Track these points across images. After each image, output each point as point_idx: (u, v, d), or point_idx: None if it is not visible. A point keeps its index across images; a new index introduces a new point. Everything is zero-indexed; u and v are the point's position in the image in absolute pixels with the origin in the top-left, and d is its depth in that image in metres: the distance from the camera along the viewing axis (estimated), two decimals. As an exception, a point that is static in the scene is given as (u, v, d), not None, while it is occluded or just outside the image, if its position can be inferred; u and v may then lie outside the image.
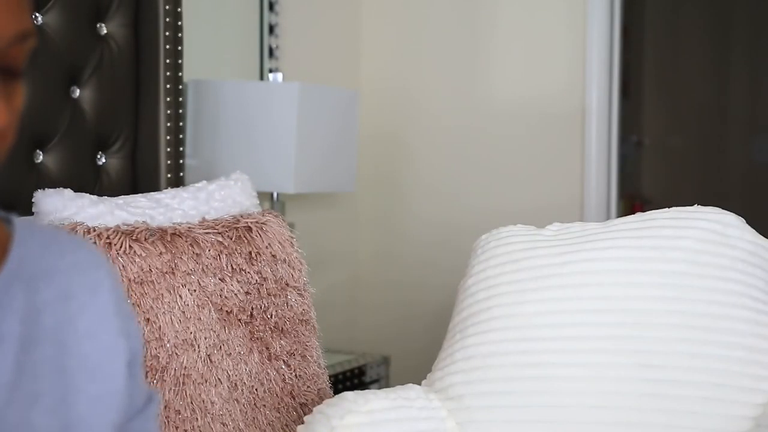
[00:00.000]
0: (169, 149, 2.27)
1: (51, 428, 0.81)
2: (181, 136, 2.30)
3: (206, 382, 1.81)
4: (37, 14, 2.04)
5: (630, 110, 5.05)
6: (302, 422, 1.75)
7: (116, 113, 2.20)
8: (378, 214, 3.39)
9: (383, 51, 3.38)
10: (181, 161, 2.31)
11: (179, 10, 2.28)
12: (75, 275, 0.89)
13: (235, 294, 1.90)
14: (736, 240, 1.87)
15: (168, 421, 1.74)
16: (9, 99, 0.81)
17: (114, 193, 2.15)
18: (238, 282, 1.92)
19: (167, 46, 2.25)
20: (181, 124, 2.30)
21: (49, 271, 0.87)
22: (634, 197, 5.29)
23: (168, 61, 2.26)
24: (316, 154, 2.59)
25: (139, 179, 2.25)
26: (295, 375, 1.97)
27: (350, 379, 2.77)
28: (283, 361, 1.96)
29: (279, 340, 1.96)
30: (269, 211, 2.07)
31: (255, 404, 1.88)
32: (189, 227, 1.92)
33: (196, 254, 1.87)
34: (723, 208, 1.92)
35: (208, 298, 1.86)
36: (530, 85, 3.19)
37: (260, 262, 1.96)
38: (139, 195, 2.02)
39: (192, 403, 1.78)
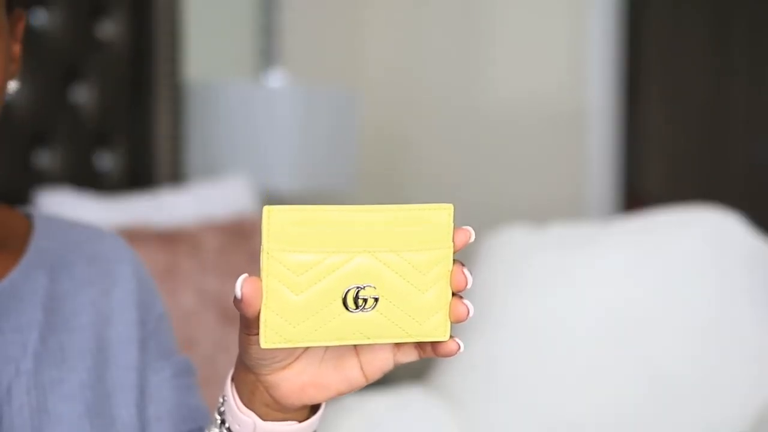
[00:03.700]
0: (168, 149, 2.27)
1: (72, 414, 0.83)
2: (180, 135, 2.30)
3: (207, 382, 1.81)
4: (37, 14, 2.04)
5: (631, 109, 5.05)
6: (302, 422, 1.75)
7: (116, 113, 2.20)
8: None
9: (384, 50, 3.38)
10: (180, 161, 2.31)
11: (179, 9, 2.28)
12: (95, 265, 0.90)
13: (235, 294, 1.90)
14: (737, 240, 1.87)
15: (168, 421, 1.74)
16: None
17: (113, 192, 2.15)
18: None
19: (167, 46, 2.25)
20: (180, 123, 2.30)
21: (69, 260, 0.89)
22: (634, 196, 5.29)
23: (168, 60, 2.26)
24: (317, 154, 2.59)
25: (138, 179, 2.25)
26: (295, 375, 1.97)
27: (350, 379, 2.76)
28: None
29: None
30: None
31: (255, 404, 1.88)
32: (189, 227, 1.92)
33: (196, 254, 1.87)
34: (723, 208, 1.92)
35: (209, 298, 1.86)
36: (532, 83, 3.19)
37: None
38: (139, 195, 2.02)
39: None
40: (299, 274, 0.66)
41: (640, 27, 5.46)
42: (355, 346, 0.70)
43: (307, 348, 0.69)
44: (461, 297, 0.68)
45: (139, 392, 0.88)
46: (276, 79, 2.75)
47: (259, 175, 2.40)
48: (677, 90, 5.62)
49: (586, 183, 3.13)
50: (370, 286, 0.66)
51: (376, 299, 0.66)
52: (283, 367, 0.70)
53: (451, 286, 0.67)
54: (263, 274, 0.66)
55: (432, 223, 0.67)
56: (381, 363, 0.70)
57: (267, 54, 2.91)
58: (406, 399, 1.80)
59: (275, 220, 0.65)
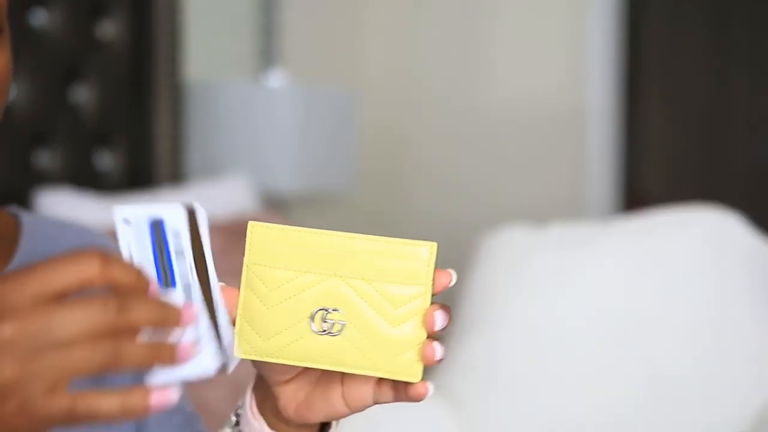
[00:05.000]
0: (168, 149, 2.27)
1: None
2: (180, 135, 2.30)
3: (207, 383, 1.80)
4: (37, 14, 2.04)
5: (631, 109, 5.04)
6: (302, 422, 1.75)
7: (116, 112, 2.20)
8: (380, 213, 3.39)
9: (384, 50, 3.38)
10: (180, 161, 2.31)
11: (179, 9, 2.28)
12: None
13: (235, 294, 1.90)
14: (736, 240, 1.87)
15: (168, 421, 1.74)
16: None
17: (113, 192, 2.15)
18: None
19: (167, 46, 2.25)
20: (180, 123, 2.30)
21: None
22: (634, 196, 5.28)
23: (168, 60, 2.26)
24: (317, 154, 2.59)
25: (138, 179, 2.25)
26: (295, 375, 1.97)
27: (350, 379, 2.76)
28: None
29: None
30: (270, 211, 2.07)
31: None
32: (189, 227, 1.91)
33: (196, 254, 1.87)
34: (723, 208, 1.92)
35: (208, 298, 1.86)
36: (532, 83, 3.19)
37: (260, 262, 1.95)
38: (139, 195, 2.02)
39: (193, 403, 1.77)
40: (272, 289, 0.67)
41: (640, 27, 5.46)
42: (342, 376, 0.70)
43: (306, 368, 0.70)
44: (436, 339, 0.67)
45: None
46: (276, 79, 2.76)
47: (259, 175, 2.40)
48: (677, 90, 5.62)
49: (586, 183, 3.13)
50: (337, 311, 0.66)
51: (344, 324, 0.66)
52: (286, 381, 0.71)
53: (423, 325, 0.66)
54: (242, 285, 0.68)
55: (413, 258, 0.67)
56: (361, 396, 0.70)
57: (267, 54, 2.91)
58: (406, 399, 1.80)
59: (257, 235, 0.68)
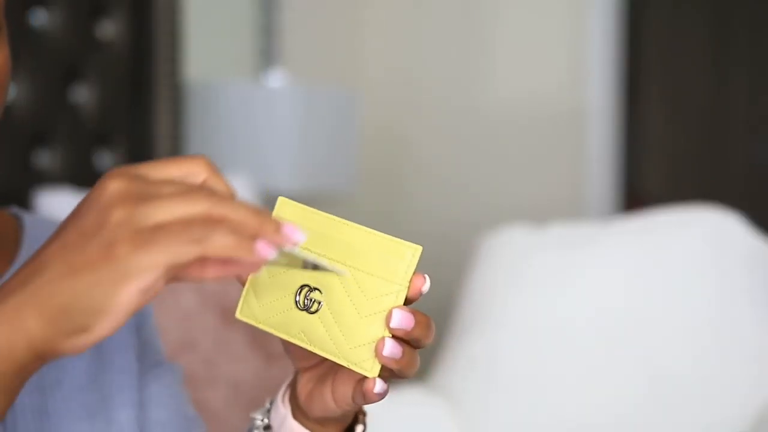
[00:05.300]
0: (168, 149, 2.27)
1: (71, 415, 0.83)
2: (180, 135, 2.30)
3: (207, 383, 1.81)
4: (37, 14, 2.04)
5: (631, 109, 5.04)
6: (302, 422, 1.75)
7: (116, 113, 2.20)
8: (380, 213, 3.39)
9: (384, 50, 3.38)
10: (181, 161, 2.31)
11: (179, 9, 2.28)
12: None
13: (236, 294, 1.90)
14: (737, 240, 1.87)
15: (168, 421, 1.74)
16: None
17: (114, 193, 2.15)
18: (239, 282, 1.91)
19: (167, 46, 2.25)
20: (180, 123, 2.30)
21: None
22: (634, 196, 5.28)
23: (168, 60, 2.26)
24: (317, 154, 2.59)
25: (139, 179, 2.25)
26: (295, 375, 1.97)
27: (350, 379, 2.76)
28: (285, 361, 1.95)
29: (280, 340, 1.95)
30: (270, 211, 2.07)
31: (256, 405, 1.88)
32: (189, 227, 1.92)
33: (196, 254, 1.87)
34: (723, 208, 1.92)
35: (209, 298, 1.86)
36: (532, 83, 3.19)
37: (260, 262, 1.95)
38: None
39: (192, 404, 1.78)
40: (277, 260, 0.69)
41: (640, 27, 5.46)
42: (334, 374, 0.71)
43: (322, 360, 0.72)
44: (397, 340, 0.67)
45: (137, 395, 0.87)
46: (276, 79, 2.76)
47: (259, 175, 2.40)
48: (677, 90, 5.62)
49: (586, 183, 3.13)
50: (318, 290, 0.69)
51: (321, 305, 0.69)
52: (305, 369, 0.74)
53: (385, 320, 0.67)
54: None
55: (396, 257, 0.68)
56: (344, 394, 0.71)
57: (267, 54, 2.91)
58: (406, 398, 1.80)
59: (283, 209, 0.72)
